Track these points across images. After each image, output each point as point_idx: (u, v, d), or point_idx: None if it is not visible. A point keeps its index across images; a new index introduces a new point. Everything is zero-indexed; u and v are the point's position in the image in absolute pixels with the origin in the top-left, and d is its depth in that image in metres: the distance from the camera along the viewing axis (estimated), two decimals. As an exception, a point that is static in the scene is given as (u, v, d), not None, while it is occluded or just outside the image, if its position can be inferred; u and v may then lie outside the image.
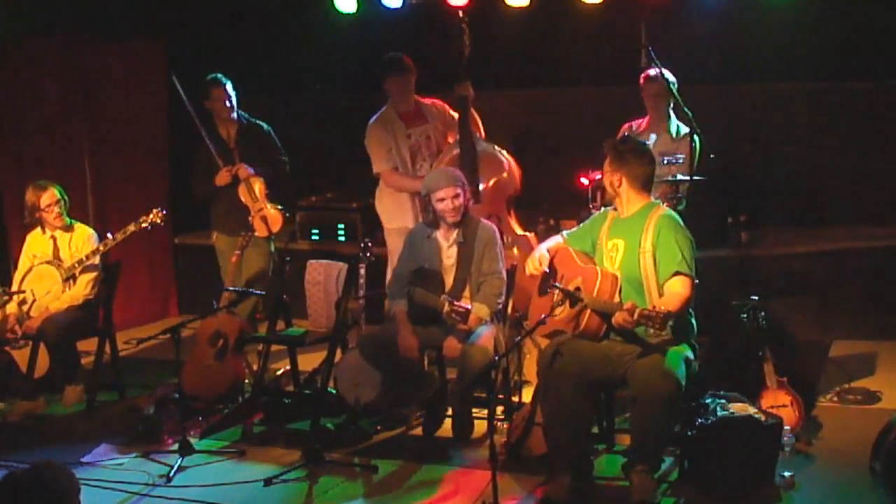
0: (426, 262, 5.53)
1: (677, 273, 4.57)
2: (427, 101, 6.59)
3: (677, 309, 4.47)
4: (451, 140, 6.59)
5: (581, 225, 5.08)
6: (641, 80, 6.29)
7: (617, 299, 4.60)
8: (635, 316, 4.33)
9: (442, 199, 5.44)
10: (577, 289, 4.64)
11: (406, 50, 6.52)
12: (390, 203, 6.50)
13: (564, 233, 5.09)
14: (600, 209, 5.25)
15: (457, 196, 5.43)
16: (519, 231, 6.49)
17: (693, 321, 4.74)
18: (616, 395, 5.12)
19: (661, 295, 4.59)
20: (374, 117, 6.50)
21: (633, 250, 4.67)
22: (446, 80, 6.49)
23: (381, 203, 6.59)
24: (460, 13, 6.43)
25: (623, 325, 4.45)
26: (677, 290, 4.56)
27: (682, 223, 4.71)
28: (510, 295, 5.69)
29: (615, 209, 4.86)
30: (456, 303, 5.23)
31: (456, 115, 6.58)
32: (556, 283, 4.70)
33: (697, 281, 4.63)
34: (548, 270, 4.89)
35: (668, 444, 4.73)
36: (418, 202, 6.38)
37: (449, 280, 5.48)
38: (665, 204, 5.01)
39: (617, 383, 4.71)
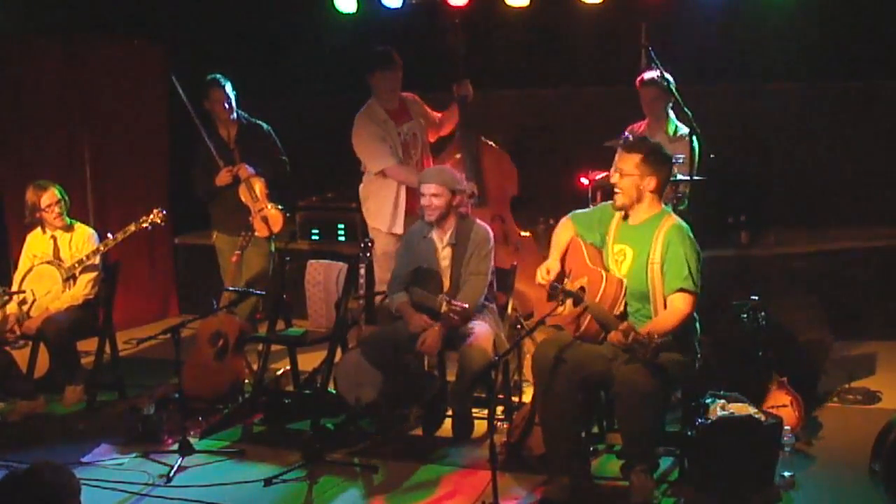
0: (424, 262, 5.53)
1: (681, 289, 4.54)
2: (407, 95, 6.54)
3: (673, 326, 4.47)
4: (431, 138, 6.57)
5: (590, 211, 4.97)
6: (637, 84, 6.29)
7: (620, 308, 4.58)
8: (629, 339, 4.31)
9: (423, 195, 5.44)
10: (582, 289, 4.63)
11: (406, 50, 6.50)
12: (374, 203, 6.46)
13: (572, 215, 4.94)
14: None
15: (435, 195, 5.40)
16: (522, 233, 6.50)
17: (697, 325, 4.72)
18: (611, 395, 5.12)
19: (665, 307, 4.59)
20: (361, 115, 6.39)
21: (641, 261, 4.62)
22: (447, 80, 6.49)
23: (366, 202, 6.54)
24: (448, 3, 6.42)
25: (616, 343, 4.44)
26: (678, 306, 4.53)
27: (691, 234, 4.63)
28: (510, 295, 5.69)
29: (620, 209, 4.76)
30: (454, 302, 5.22)
31: (429, 110, 6.56)
32: (558, 284, 4.69)
33: (702, 287, 4.61)
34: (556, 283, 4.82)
35: (658, 442, 4.71)
36: (403, 203, 6.36)
37: (446, 280, 5.48)
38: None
39: (613, 383, 4.71)
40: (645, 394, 4.41)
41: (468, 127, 6.43)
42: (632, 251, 4.67)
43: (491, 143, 6.55)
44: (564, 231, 4.91)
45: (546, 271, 4.78)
